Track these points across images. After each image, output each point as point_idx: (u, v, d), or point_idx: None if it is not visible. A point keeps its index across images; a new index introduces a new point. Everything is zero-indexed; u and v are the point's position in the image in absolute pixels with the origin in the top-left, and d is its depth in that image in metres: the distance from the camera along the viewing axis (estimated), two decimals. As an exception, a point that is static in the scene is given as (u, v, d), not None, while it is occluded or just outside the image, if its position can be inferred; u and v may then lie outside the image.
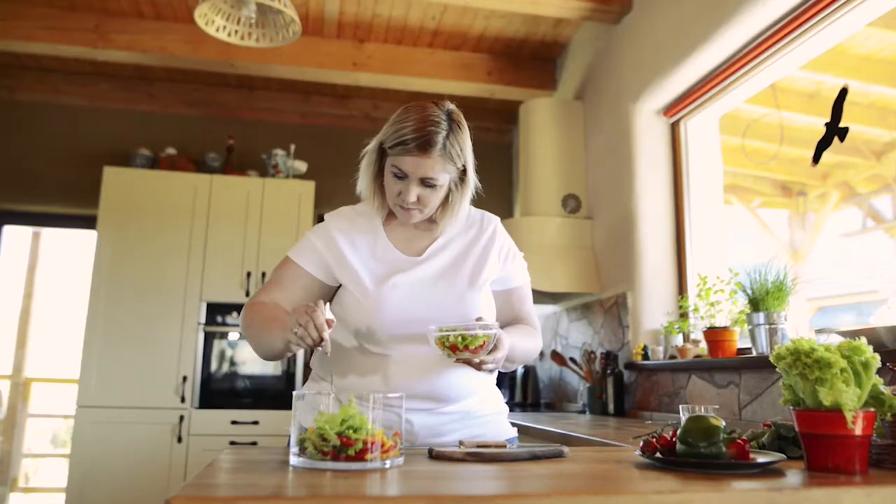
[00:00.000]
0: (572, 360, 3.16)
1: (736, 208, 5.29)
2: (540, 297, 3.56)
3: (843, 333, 1.68)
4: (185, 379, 3.55)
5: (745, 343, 2.24)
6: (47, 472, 5.51)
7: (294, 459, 1.04)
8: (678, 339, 2.66)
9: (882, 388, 1.10)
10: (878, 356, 1.07)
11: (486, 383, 1.37)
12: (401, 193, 1.27)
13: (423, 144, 1.22)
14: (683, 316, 2.59)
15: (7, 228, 4.29)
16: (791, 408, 1.10)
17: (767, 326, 2.02)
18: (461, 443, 1.23)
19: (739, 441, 1.07)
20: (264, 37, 2.34)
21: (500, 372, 1.41)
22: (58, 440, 5.88)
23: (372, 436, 1.05)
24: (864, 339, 1.08)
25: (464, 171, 1.32)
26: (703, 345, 2.38)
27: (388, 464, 1.04)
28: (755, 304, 2.06)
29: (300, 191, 3.90)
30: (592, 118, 3.41)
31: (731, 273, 2.34)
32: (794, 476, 1.02)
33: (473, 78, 3.86)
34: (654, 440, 1.12)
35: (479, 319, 1.19)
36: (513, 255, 1.42)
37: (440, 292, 1.30)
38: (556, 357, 3.20)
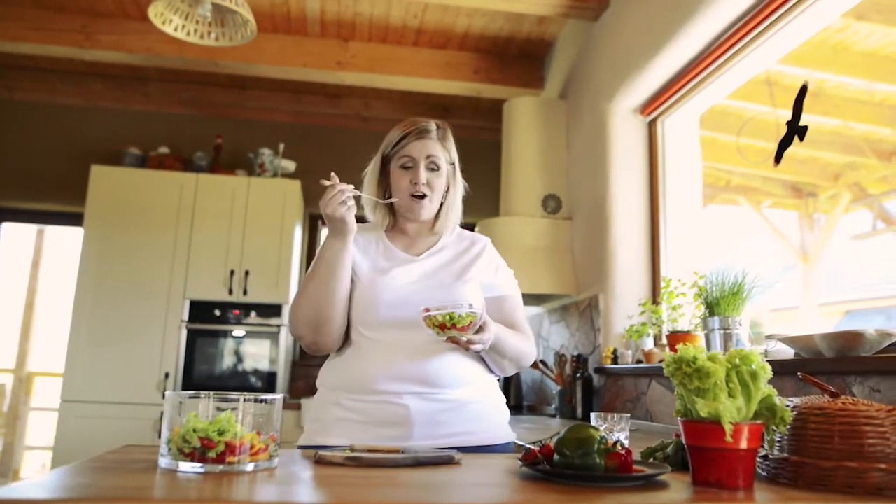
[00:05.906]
0: (543, 362, 3.11)
1: (744, 209, 5.14)
2: (523, 299, 3.50)
3: (785, 340, 1.61)
4: (167, 375, 3.58)
5: (708, 348, 2.17)
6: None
7: (161, 460, 1.03)
8: (648, 343, 2.59)
9: (776, 399, 1.04)
10: (768, 366, 1.01)
11: (480, 376, 1.43)
12: (412, 180, 1.46)
13: (422, 131, 1.48)
14: (655, 319, 2.52)
15: (6, 225, 4.39)
16: (679, 418, 1.05)
17: (722, 332, 1.95)
18: (350, 447, 1.21)
19: (620, 453, 1.02)
20: (223, 35, 2.34)
21: (501, 374, 1.50)
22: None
23: (239, 438, 1.03)
24: (761, 349, 1.03)
25: (454, 169, 1.53)
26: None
27: (251, 467, 1.02)
28: (711, 308, 1.99)
29: (286, 190, 3.90)
30: (574, 117, 3.34)
31: (695, 276, 2.27)
32: (673, 490, 0.97)
33: (460, 77, 3.82)
34: (538, 449, 1.08)
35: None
36: (502, 268, 1.55)
37: (432, 283, 1.44)
38: (528, 360, 3.15)
